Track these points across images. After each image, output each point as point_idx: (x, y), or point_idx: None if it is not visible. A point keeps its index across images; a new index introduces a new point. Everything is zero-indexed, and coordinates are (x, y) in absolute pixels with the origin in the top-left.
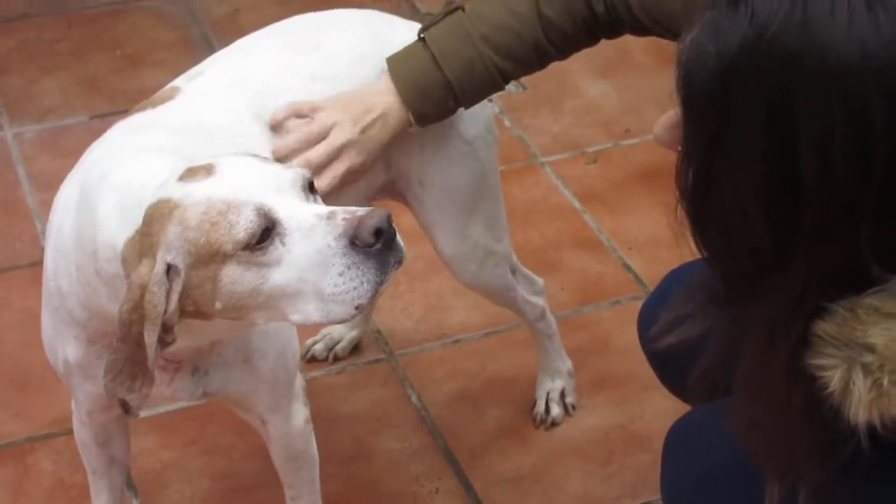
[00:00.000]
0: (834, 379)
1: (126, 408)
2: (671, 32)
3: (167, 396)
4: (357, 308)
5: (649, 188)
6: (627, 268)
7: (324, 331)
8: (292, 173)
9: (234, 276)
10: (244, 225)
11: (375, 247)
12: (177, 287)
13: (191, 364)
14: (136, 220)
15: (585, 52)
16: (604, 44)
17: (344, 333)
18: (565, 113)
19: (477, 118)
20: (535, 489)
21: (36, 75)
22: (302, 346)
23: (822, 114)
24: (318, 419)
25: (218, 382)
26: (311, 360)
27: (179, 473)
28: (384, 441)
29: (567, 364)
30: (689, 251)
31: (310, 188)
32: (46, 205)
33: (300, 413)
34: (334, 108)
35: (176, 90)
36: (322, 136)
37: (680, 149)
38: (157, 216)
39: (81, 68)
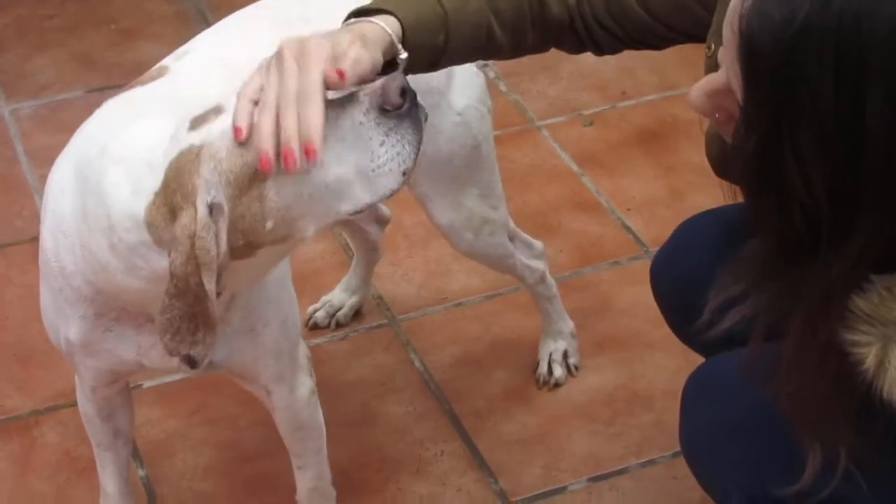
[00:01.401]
0: (869, 356)
1: (192, 362)
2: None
3: (174, 368)
4: (404, 173)
5: (646, 150)
6: (627, 228)
7: (324, 298)
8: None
9: (278, 187)
10: None
11: (405, 106)
12: (223, 226)
13: None
14: (152, 184)
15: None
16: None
17: (345, 300)
18: (561, 77)
19: (468, 89)
20: (539, 450)
21: (31, 52)
22: (303, 314)
23: (891, 75)
24: (322, 385)
25: (222, 352)
26: (313, 327)
27: (184, 443)
28: (388, 405)
29: (569, 325)
30: (686, 210)
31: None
32: (45, 180)
33: (305, 383)
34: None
35: (164, 69)
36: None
37: (718, 116)
38: (183, 166)
39: (76, 43)
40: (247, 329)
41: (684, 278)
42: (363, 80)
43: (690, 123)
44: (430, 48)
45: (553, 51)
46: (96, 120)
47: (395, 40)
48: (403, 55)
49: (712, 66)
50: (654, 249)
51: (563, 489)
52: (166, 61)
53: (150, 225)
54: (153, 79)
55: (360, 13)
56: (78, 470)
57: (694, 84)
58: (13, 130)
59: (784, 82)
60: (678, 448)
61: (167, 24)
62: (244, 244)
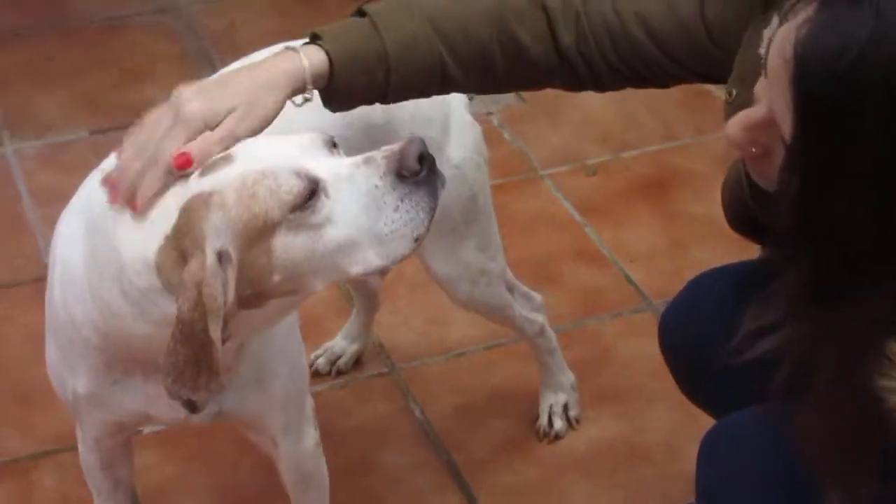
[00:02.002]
0: None
1: (192, 407)
2: (643, 79)
3: (181, 419)
4: (416, 240)
5: (649, 200)
6: (629, 280)
7: (326, 345)
8: (311, 136)
9: (287, 243)
10: (286, 188)
11: (423, 173)
12: (232, 274)
13: None
14: (162, 229)
15: None
16: None
17: (346, 347)
18: (564, 125)
19: (465, 140)
20: (538, 502)
21: (35, 91)
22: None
23: None
24: (322, 433)
25: (232, 401)
26: (314, 374)
27: (182, 488)
28: (387, 455)
29: (569, 377)
30: (689, 262)
31: (333, 146)
32: (48, 220)
33: (311, 434)
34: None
35: None
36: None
37: (754, 151)
38: (193, 211)
39: (80, 83)
40: (256, 380)
41: (694, 334)
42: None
43: (693, 175)
44: (367, 84)
45: (556, 98)
46: (102, 172)
47: (308, 79)
48: (306, 95)
49: (733, 111)
50: (657, 302)
51: None
52: None
53: (159, 269)
54: None
55: (312, 35)
56: None
57: (725, 124)
58: (16, 170)
59: (836, 112)
60: (677, 502)
61: (172, 64)
62: (252, 294)
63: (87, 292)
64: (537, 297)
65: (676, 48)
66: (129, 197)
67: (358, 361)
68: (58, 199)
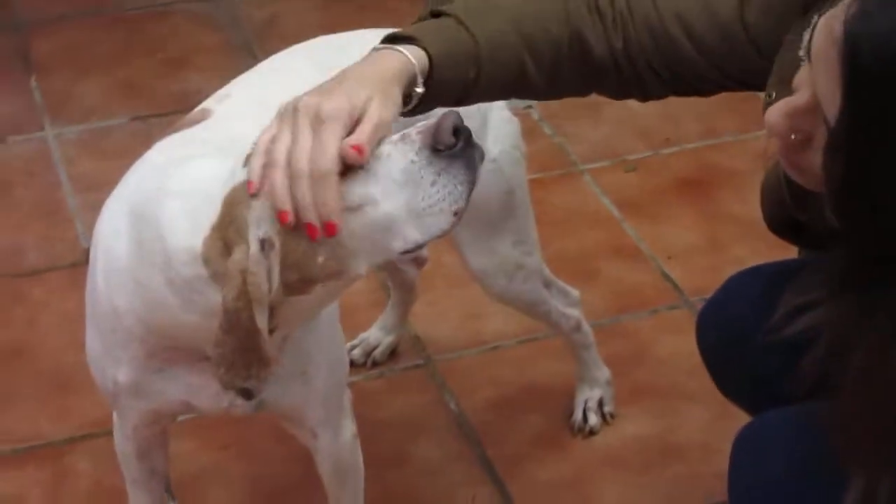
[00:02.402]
0: None
1: (248, 395)
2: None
3: (224, 407)
4: (456, 214)
5: (688, 197)
6: (666, 277)
7: (361, 336)
8: None
9: None
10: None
11: (458, 146)
12: (275, 261)
13: None
14: (209, 218)
15: None
16: None
17: (381, 339)
18: (604, 121)
19: (503, 135)
20: (571, 497)
21: (77, 77)
22: None
23: None
24: (356, 424)
25: (273, 393)
26: (349, 365)
27: (216, 477)
28: (421, 447)
29: (605, 373)
30: (727, 260)
31: None
32: (87, 206)
33: (349, 427)
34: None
35: (207, 112)
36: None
37: (794, 137)
38: (236, 201)
39: (122, 70)
40: (298, 372)
41: (730, 333)
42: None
43: (733, 173)
44: (459, 83)
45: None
46: (147, 163)
47: (419, 75)
48: (419, 89)
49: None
50: (694, 299)
51: None
52: (208, 104)
53: (206, 259)
54: (197, 121)
55: (392, 38)
56: (110, 500)
57: (766, 116)
58: (57, 155)
59: (886, 91)
60: (711, 500)
61: (214, 54)
62: (298, 279)
63: (130, 282)
64: (574, 292)
65: (715, 51)
66: (308, 225)
67: (393, 353)
68: (97, 185)
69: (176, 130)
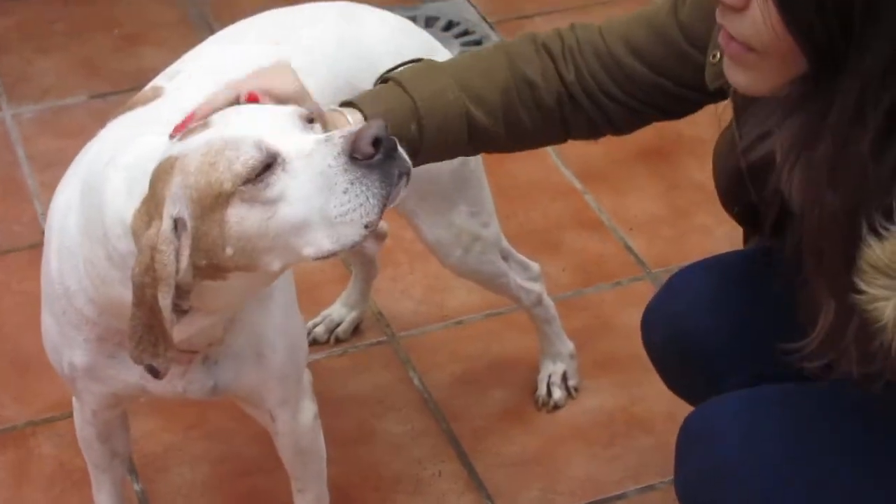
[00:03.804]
0: (887, 310)
1: (154, 372)
2: (649, 105)
3: (179, 392)
4: (367, 227)
5: (650, 167)
6: (629, 249)
7: (324, 312)
8: (289, 110)
9: (240, 215)
10: (243, 159)
11: (376, 157)
12: (186, 242)
13: (202, 354)
14: (141, 192)
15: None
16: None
17: (344, 315)
18: None
19: None
20: (537, 472)
21: (34, 55)
22: None
23: None
24: (320, 402)
25: (229, 375)
26: (311, 342)
27: (180, 457)
28: (386, 424)
29: (568, 346)
30: (690, 230)
31: (309, 122)
32: (46, 186)
33: (309, 408)
34: None
35: (159, 89)
36: None
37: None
38: (160, 175)
39: (79, 48)
40: (254, 354)
41: (676, 330)
42: None
43: (696, 141)
44: (402, 139)
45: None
46: (102, 140)
47: None
48: None
49: (718, 72)
50: (656, 270)
51: None
52: (159, 81)
53: (134, 232)
54: (150, 99)
55: (342, 103)
56: (73, 482)
57: None
58: (14, 134)
59: None
60: None
61: (171, 30)
62: (208, 265)
63: (80, 260)
64: (534, 265)
65: (659, 60)
66: None
67: (357, 329)
68: (56, 164)
69: (129, 109)
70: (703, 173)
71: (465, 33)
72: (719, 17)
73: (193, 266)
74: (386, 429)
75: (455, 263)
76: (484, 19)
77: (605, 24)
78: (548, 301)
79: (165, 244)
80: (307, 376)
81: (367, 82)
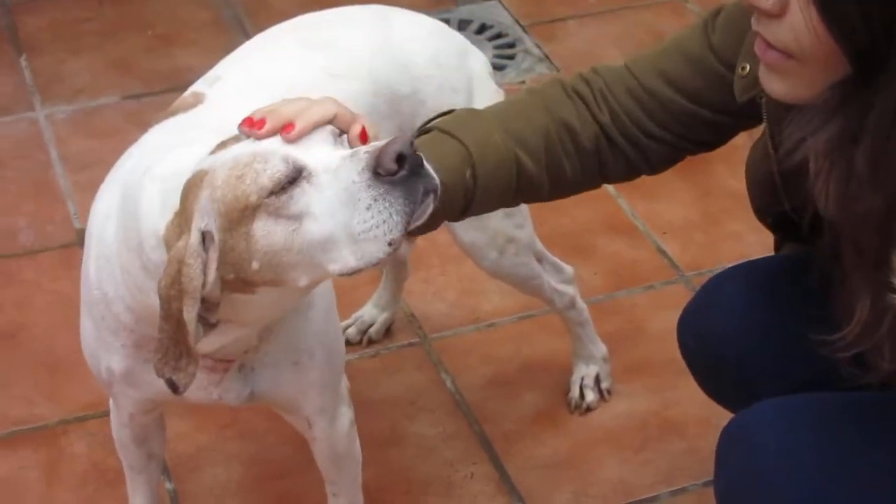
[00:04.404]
0: None
1: (174, 387)
2: (685, 138)
3: (215, 399)
4: (391, 244)
5: (683, 173)
6: (662, 253)
7: (356, 314)
8: (321, 128)
9: (267, 229)
10: (269, 172)
11: (400, 174)
12: (213, 256)
13: (238, 362)
14: (174, 204)
15: (616, 31)
16: (634, 22)
17: (376, 316)
18: None
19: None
20: (569, 475)
21: (67, 56)
22: None
23: None
24: (353, 403)
25: (266, 383)
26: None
27: (213, 457)
28: (418, 426)
29: (601, 349)
30: (722, 235)
31: (338, 136)
32: (79, 186)
33: (346, 415)
34: None
35: (200, 95)
36: None
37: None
38: (191, 188)
39: (112, 48)
40: (291, 362)
41: (713, 336)
42: None
43: (729, 148)
44: (459, 188)
45: (591, 65)
46: (143, 146)
47: None
48: None
49: (747, 85)
50: (689, 274)
51: None
52: (200, 87)
53: (167, 243)
54: (191, 105)
55: None
56: (106, 481)
57: None
58: (48, 134)
59: None
60: (709, 477)
61: (204, 30)
62: (236, 279)
63: (117, 268)
64: (568, 268)
65: (696, 88)
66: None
67: (388, 331)
68: (89, 164)
69: (170, 114)
70: (735, 180)
71: (498, 36)
72: (755, 25)
73: (221, 280)
74: (417, 431)
75: (490, 266)
76: (517, 22)
77: (629, 61)
78: (581, 304)
79: (193, 258)
80: (345, 382)
81: (404, 85)
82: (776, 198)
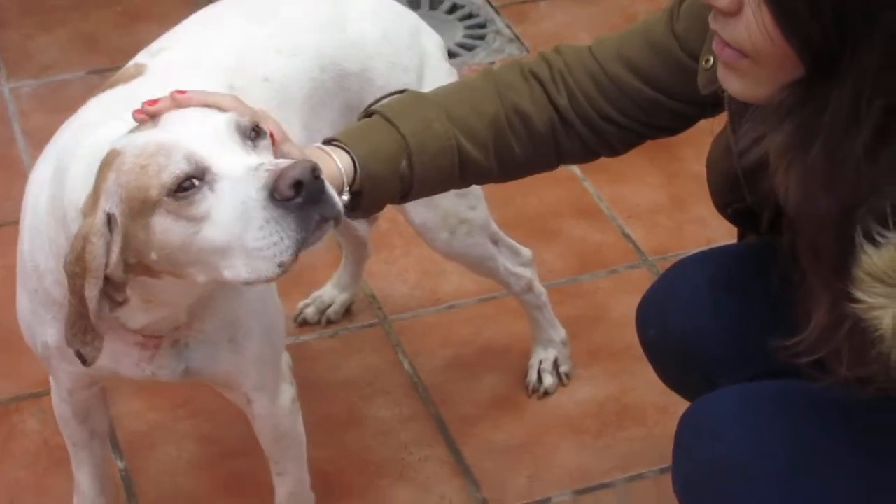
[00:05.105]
0: (885, 320)
1: (82, 359)
2: (647, 125)
3: (148, 375)
4: (280, 266)
5: (650, 156)
6: (626, 236)
7: (315, 294)
8: (227, 117)
9: (165, 226)
10: (171, 169)
11: (295, 201)
12: (117, 238)
13: (170, 338)
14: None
15: (588, 13)
16: (608, 6)
17: (335, 297)
18: None
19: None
20: (526, 459)
21: (34, 30)
22: (293, 310)
23: None
24: (309, 384)
25: (201, 360)
26: (302, 323)
27: (166, 436)
28: (375, 407)
29: (560, 333)
30: (688, 219)
31: (255, 137)
32: None
33: (287, 392)
34: None
35: (141, 67)
36: None
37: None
38: (102, 167)
39: (80, 23)
40: (227, 339)
41: (671, 327)
42: None
43: (697, 131)
44: (394, 177)
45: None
46: (80, 120)
47: (343, 177)
48: (345, 196)
49: (711, 78)
50: (653, 258)
51: (547, 500)
52: (142, 58)
53: (83, 216)
54: (132, 76)
55: (327, 141)
56: (57, 459)
57: None
58: (12, 109)
59: None
60: (667, 464)
61: (172, 5)
62: (138, 264)
63: (47, 240)
64: (525, 251)
65: (657, 74)
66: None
67: (348, 311)
68: (51, 139)
69: (111, 86)
70: (701, 164)
71: (469, 16)
72: (712, 23)
73: (125, 262)
74: (374, 413)
75: (441, 246)
76: (489, 3)
77: (594, 43)
78: (539, 287)
79: (97, 237)
80: (285, 359)
81: (352, 62)
82: (737, 190)
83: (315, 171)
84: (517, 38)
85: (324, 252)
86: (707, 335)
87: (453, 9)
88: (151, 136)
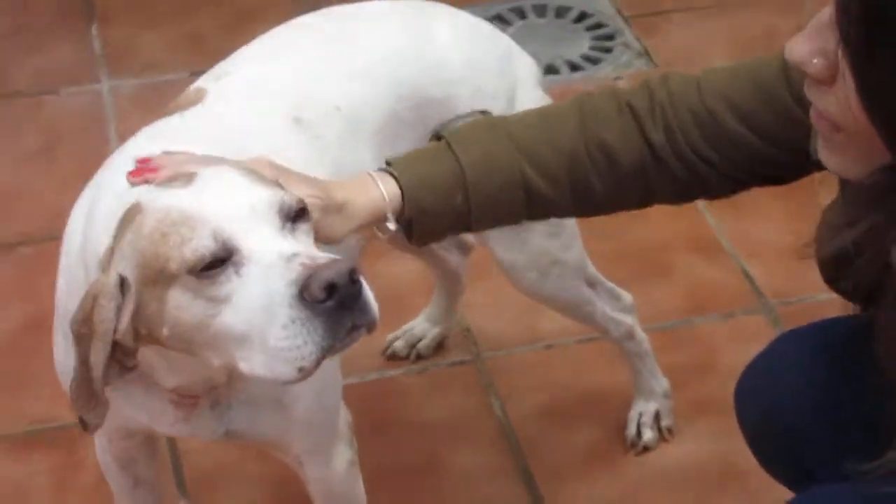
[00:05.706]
0: None
1: (84, 425)
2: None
3: (186, 435)
4: (300, 371)
5: (779, 192)
6: (747, 276)
7: (405, 326)
8: (270, 194)
9: (181, 302)
10: (195, 245)
11: (326, 304)
12: (129, 303)
13: (209, 399)
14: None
15: (726, 26)
16: (745, 20)
17: (427, 330)
18: None
19: None
20: None
21: (140, 28)
22: (383, 342)
23: None
24: (389, 423)
25: (244, 422)
26: (391, 356)
27: (232, 474)
28: (458, 455)
29: (662, 384)
30: (815, 265)
31: (296, 218)
32: None
33: (343, 454)
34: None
35: (202, 92)
36: None
37: (816, 62)
38: (123, 222)
39: (187, 22)
40: (272, 400)
41: (772, 415)
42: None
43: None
44: (447, 210)
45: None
46: (126, 151)
47: (388, 210)
48: (391, 226)
49: None
50: (773, 301)
51: None
52: (203, 82)
53: (101, 273)
54: (191, 103)
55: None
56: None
57: None
58: (109, 109)
59: None
60: None
61: (283, 7)
62: (147, 335)
63: (80, 284)
64: (626, 295)
65: (761, 119)
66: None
67: (440, 346)
68: None
69: (170, 112)
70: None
71: (598, 26)
72: (807, 90)
73: (135, 330)
74: (457, 460)
75: (530, 288)
76: (619, 13)
77: (703, 76)
78: (640, 334)
79: (107, 299)
80: (343, 417)
81: (435, 88)
82: (847, 264)
83: (353, 275)
84: (646, 52)
85: (417, 279)
86: (806, 429)
87: (581, 17)
88: (178, 199)
